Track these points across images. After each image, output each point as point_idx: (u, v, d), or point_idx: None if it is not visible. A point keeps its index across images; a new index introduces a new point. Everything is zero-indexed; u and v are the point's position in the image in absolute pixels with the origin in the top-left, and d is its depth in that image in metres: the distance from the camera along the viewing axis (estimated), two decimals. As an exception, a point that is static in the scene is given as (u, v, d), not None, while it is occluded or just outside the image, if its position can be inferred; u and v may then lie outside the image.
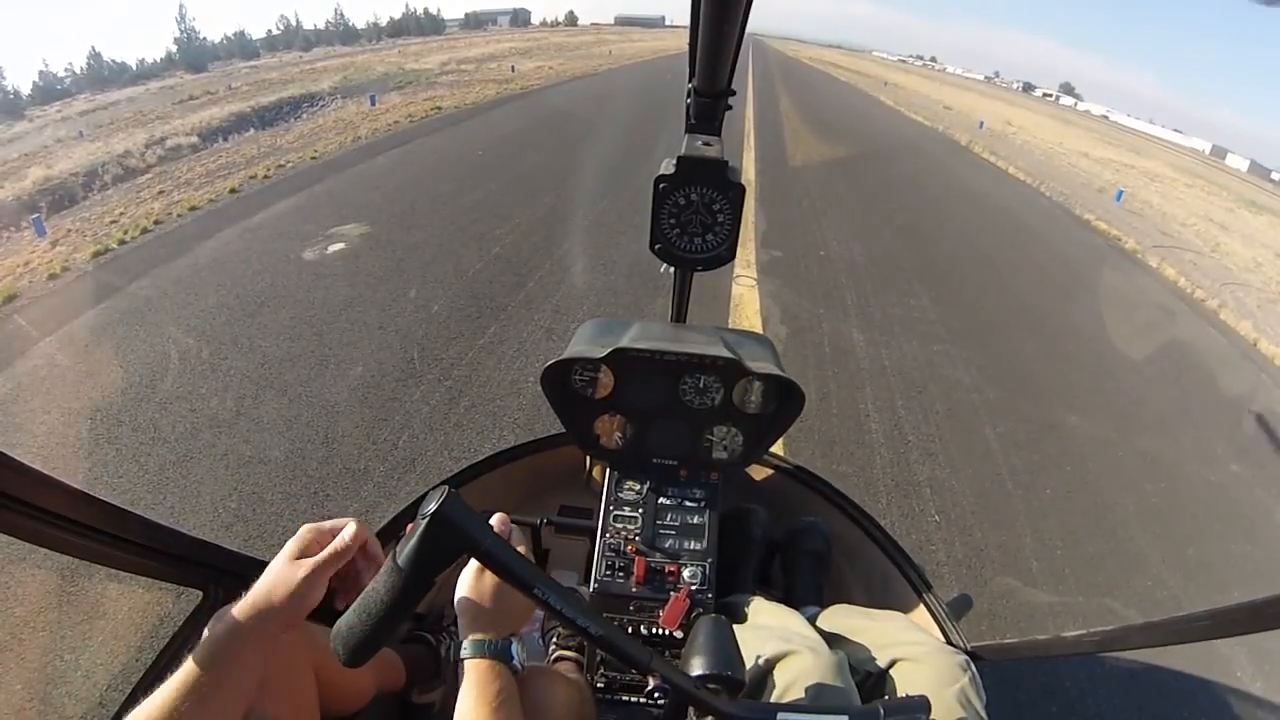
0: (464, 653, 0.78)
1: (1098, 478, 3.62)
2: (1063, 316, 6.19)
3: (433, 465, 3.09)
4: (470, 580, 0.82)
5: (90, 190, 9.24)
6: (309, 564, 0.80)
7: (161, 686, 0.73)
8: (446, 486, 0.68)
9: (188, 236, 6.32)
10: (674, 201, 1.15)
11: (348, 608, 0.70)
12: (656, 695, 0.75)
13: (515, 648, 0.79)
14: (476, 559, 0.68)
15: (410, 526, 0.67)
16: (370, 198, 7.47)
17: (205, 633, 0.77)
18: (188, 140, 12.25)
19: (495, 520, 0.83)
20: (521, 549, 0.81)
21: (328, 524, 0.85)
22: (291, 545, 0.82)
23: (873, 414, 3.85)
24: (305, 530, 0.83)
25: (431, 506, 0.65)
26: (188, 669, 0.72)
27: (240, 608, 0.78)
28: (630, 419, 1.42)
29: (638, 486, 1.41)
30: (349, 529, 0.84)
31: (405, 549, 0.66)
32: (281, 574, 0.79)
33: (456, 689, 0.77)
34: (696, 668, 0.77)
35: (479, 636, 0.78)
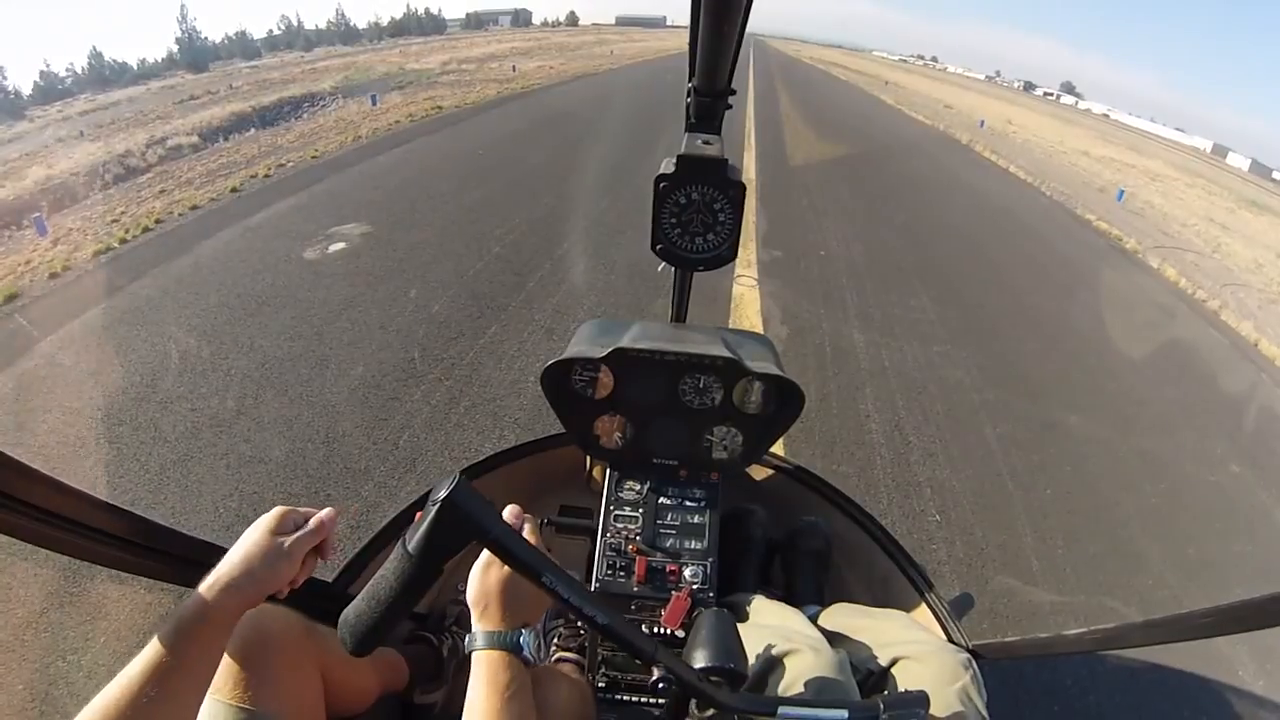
0: (475, 644, 0.78)
1: (1098, 477, 3.62)
2: (1063, 317, 6.19)
3: (433, 465, 3.09)
4: (480, 573, 0.81)
5: (91, 189, 9.24)
6: (292, 537, 0.82)
7: (124, 670, 0.72)
8: (458, 473, 0.68)
9: (189, 236, 6.32)
10: (675, 201, 1.15)
11: (351, 599, 0.70)
12: (660, 686, 0.75)
13: (526, 639, 0.78)
14: (485, 546, 0.68)
15: (420, 514, 0.67)
16: (371, 197, 7.47)
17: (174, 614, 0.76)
18: (189, 140, 12.26)
19: (509, 512, 0.82)
20: (533, 539, 0.81)
21: (302, 508, 0.87)
22: (269, 520, 0.83)
23: (873, 414, 3.85)
24: (280, 509, 0.85)
25: (442, 493, 0.65)
26: (152, 651, 0.72)
27: (206, 585, 0.77)
28: (630, 419, 1.41)
29: (638, 486, 1.41)
30: (326, 510, 0.87)
31: (415, 535, 0.66)
32: (261, 545, 0.80)
33: (458, 689, 0.77)
34: (699, 660, 0.77)
35: (489, 628, 0.78)
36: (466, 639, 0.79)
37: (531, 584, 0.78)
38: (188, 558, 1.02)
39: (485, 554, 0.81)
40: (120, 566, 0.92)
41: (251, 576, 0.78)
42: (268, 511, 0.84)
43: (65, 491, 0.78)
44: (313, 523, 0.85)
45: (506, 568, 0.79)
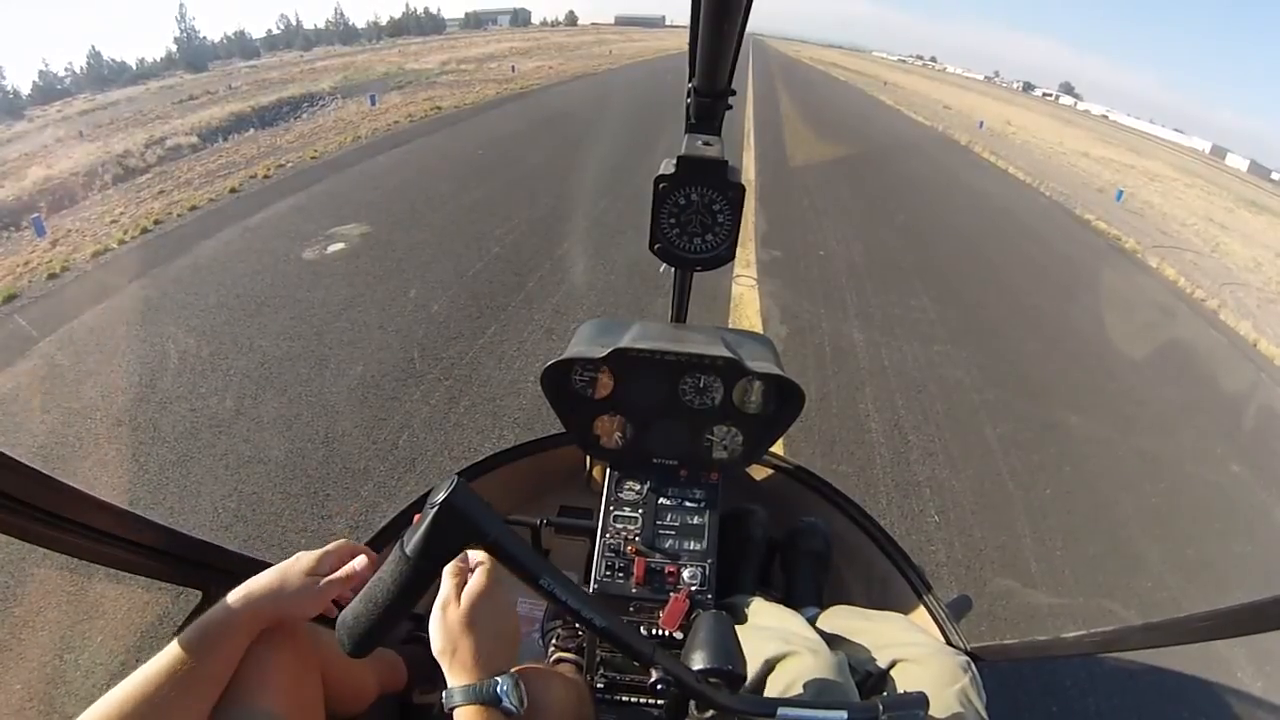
0: (453, 700, 0.73)
1: (1098, 478, 3.62)
2: (1063, 316, 6.20)
3: (433, 465, 3.09)
4: (439, 617, 0.76)
5: (90, 190, 9.24)
6: (325, 579, 0.87)
7: (142, 667, 0.73)
8: (456, 476, 0.67)
9: (188, 236, 6.32)
10: (674, 201, 1.15)
11: (349, 600, 0.70)
12: (659, 688, 0.75)
13: (505, 687, 0.73)
14: (484, 549, 0.68)
15: (418, 517, 0.67)
16: (370, 197, 7.47)
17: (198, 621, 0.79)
18: (187, 140, 12.25)
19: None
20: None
21: (339, 550, 0.92)
22: (310, 560, 0.88)
23: (873, 414, 3.85)
24: (320, 553, 0.90)
25: (440, 496, 0.65)
26: (172, 653, 0.74)
27: (237, 598, 0.81)
28: (630, 419, 1.41)
29: (638, 486, 1.41)
30: (361, 558, 0.92)
31: (413, 538, 0.66)
32: (296, 580, 0.85)
33: None
34: (698, 662, 0.77)
35: (463, 680, 0.73)
36: (444, 695, 0.75)
37: (498, 623, 0.77)
38: (188, 558, 1.02)
39: (440, 596, 0.77)
40: (120, 566, 0.92)
41: (277, 602, 0.83)
42: (318, 548, 0.90)
43: (65, 491, 0.78)
44: (343, 571, 0.90)
45: (464, 605, 0.76)
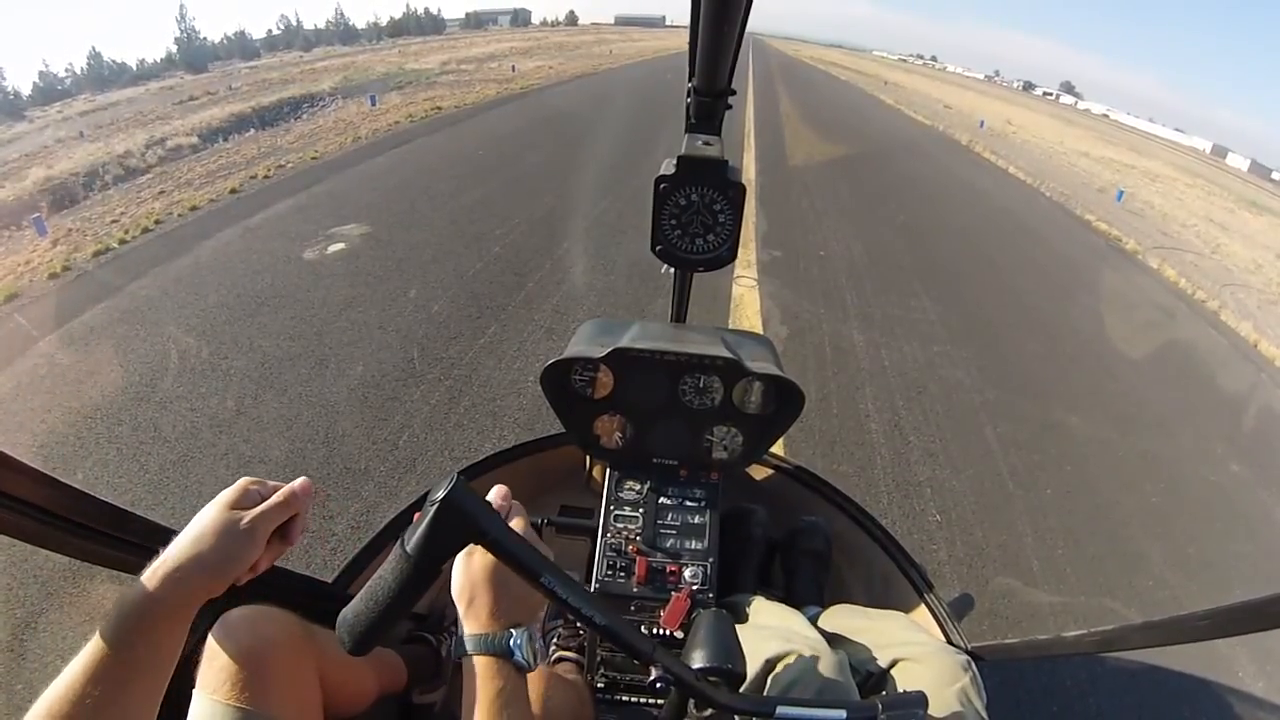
0: (460, 650, 0.70)
1: (1098, 477, 3.62)
2: (1063, 317, 6.19)
3: (433, 465, 3.09)
4: (462, 566, 0.73)
5: (91, 190, 9.24)
6: (253, 512, 0.73)
7: (65, 670, 0.64)
8: (456, 474, 0.67)
9: (188, 236, 6.32)
10: (674, 202, 1.15)
11: (349, 599, 0.70)
12: (658, 686, 0.75)
13: (518, 640, 0.70)
14: (484, 547, 0.68)
15: (418, 515, 0.67)
16: (370, 198, 7.47)
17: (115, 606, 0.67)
18: (188, 140, 12.25)
19: (495, 494, 0.78)
20: (519, 522, 0.76)
21: (271, 481, 0.78)
22: (227, 494, 0.74)
23: (873, 414, 3.85)
24: (244, 481, 0.75)
25: (440, 493, 0.65)
26: (95, 649, 0.64)
27: (149, 573, 0.68)
28: (630, 419, 1.41)
29: (638, 486, 1.41)
30: (299, 480, 0.78)
31: (413, 536, 0.66)
32: (215, 524, 0.71)
33: (456, 689, 0.75)
34: (698, 660, 0.77)
35: (476, 631, 0.71)
36: (453, 643, 0.72)
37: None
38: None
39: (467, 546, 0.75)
40: (121, 567, 0.92)
41: (200, 562, 0.68)
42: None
43: (65, 491, 0.78)
44: (279, 495, 0.75)
45: (491, 555, 0.72)
